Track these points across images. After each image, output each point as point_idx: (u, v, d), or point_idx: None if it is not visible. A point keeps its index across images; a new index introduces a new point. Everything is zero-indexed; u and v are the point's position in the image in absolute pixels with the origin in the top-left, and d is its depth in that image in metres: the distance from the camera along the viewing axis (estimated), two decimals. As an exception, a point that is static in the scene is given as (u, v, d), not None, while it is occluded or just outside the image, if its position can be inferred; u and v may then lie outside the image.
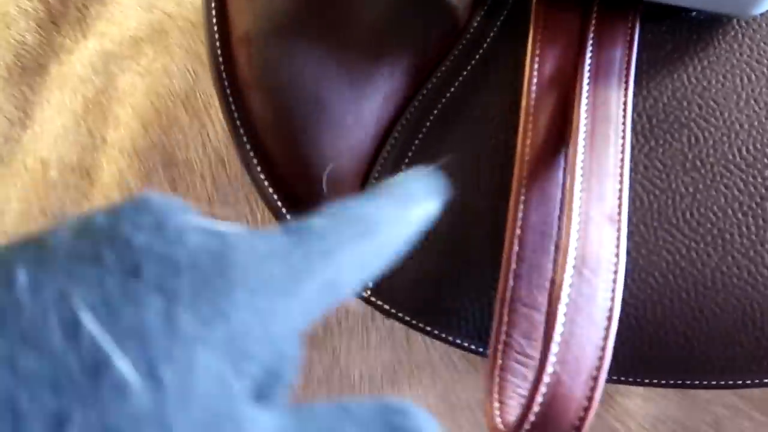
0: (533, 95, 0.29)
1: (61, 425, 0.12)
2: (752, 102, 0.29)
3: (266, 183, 0.30)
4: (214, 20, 0.30)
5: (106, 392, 0.12)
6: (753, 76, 0.30)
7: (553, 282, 0.27)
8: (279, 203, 0.30)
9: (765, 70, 0.30)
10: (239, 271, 0.14)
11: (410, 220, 0.19)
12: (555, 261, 0.28)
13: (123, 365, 0.12)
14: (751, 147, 0.29)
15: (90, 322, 0.13)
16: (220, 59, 0.30)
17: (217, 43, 0.30)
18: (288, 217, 0.30)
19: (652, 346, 0.28)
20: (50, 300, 0.13)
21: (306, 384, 0.37)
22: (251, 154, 0.29)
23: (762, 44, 0.30)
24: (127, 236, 0.14)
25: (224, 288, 0.14)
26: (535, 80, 0.29)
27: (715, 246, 0.28)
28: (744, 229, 0.29)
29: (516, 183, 0.28)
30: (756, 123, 0.29)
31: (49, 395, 0.12)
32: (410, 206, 0.20)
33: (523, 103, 0.29)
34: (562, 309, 0.24)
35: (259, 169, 0.30)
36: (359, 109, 0.30)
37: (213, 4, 0.30)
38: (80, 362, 0.12)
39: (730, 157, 0.29)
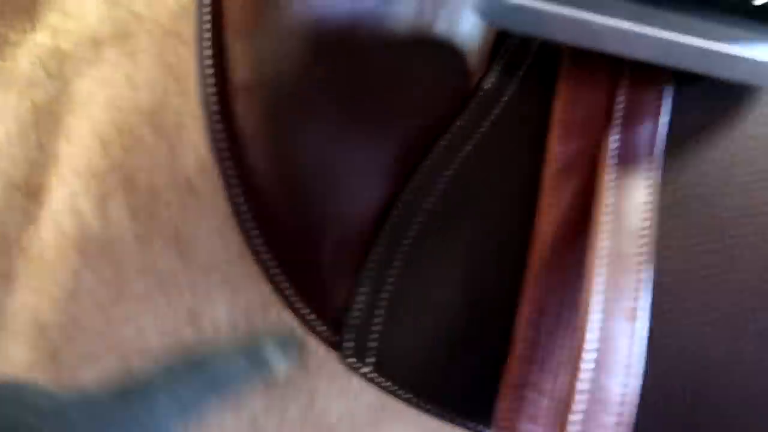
0: (558, 164, 0.26)
1: None
2: (779, 181, 0.27)
3: (262, 249, 0.26)
4: (209, 64, 0.26)
5: None
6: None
7: (568, 383, 0.24)
8: (275, 270, 0.27)
9: (793, 146, 0.28)
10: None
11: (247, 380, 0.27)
12: (569, 349, 0.26)
13: None
14: (774, 230, 0.27)
15: None
16: (216, 109, 0.26)
17: (213, 91, 0.26)
18: (280, 275, 0.27)
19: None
20: None
21: (280, 424, 0.35)
22: (247, 216, 0.26)
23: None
24: None
25: None
26: (558, 148, 0.26)
27: (733, 328, 0.27)
28: (757, 314, 0.27)
29: (533, 261, 0.26)
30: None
31: None
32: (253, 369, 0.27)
33: (546, 173, 0.26)
34: (572, 417, 0.23)
35: (255, 233, 0.26)
36: (368, 172, 0.27)
37: (208, 45, 0.26)
38: None
39: (752, 239, 0.27)
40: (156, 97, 0.34)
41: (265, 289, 0.31)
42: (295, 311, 0.28)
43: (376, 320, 0.27)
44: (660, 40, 0.24)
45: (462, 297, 0.27)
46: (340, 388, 0.34)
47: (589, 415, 0.23)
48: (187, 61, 0.33)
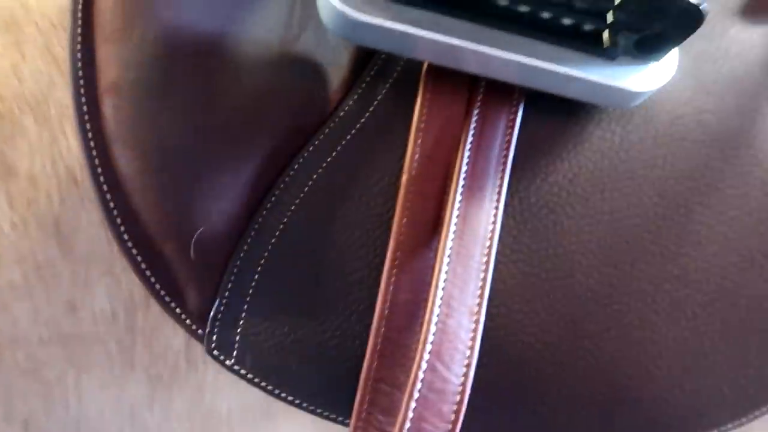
0: (414, 171, 0.28)
1: None
2: (615, 193, 0.30)
3: (129, 244, 0.27)
4: (80, 67, 0.27)
5: None
6: (620, 166, 0.31)
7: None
8: (142, 264, 0.28)
9: (631, 160, 0.31)
10: None
11: None
12: (417, 344, 0.28)
13: None
14: (608, 238, 0.30)
15: None
16: (85, 110, 0.27)
17: (82, 92, 0.27)
18: (151, 276, 0.28)
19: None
20: None
21: (165, 418, 0.36)
22: (115, 212, 0.27)
23: (631, 133, 0.31)
24: None
25: None
26: (417, 156, 0.28)
27: (567, 330, 0.30)
28: (594, 316, 0.30)
29: (388, 261, 0.28)
30: (616, 215, 0.30)
31: None
32: None
33: (403, 179, 0.28)
34: (411, 405, 0.25)
35: (122, 228, 0.27)
36: (234, 171, 0.28)
37: (79, 48, 0.27)
38: None
39: (591, 246, 0.30)
40: (40, 89, 0.34)
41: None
42: (163, 304, 0.29)
43: (238, 315, 0.28)
44: (498, 59, 0.26)
45: (321, 295, 0.28)
46: (230, 380, 0.35)
47: (426, 403, 0.26)
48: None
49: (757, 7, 0.34)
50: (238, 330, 0.29)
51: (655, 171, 0.31)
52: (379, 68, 0.30)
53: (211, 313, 0.29)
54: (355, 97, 0.30)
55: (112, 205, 0.28)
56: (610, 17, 0.26)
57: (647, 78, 0.28)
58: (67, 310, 0.34)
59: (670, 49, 0.28)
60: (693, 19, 0.26)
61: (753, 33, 0.33)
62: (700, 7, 0.25)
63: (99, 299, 0.34)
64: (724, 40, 0.33)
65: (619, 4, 0.26)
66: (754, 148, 0.31)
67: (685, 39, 0.27)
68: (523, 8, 0.26)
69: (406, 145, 0.29)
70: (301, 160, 0.29)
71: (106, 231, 0.34)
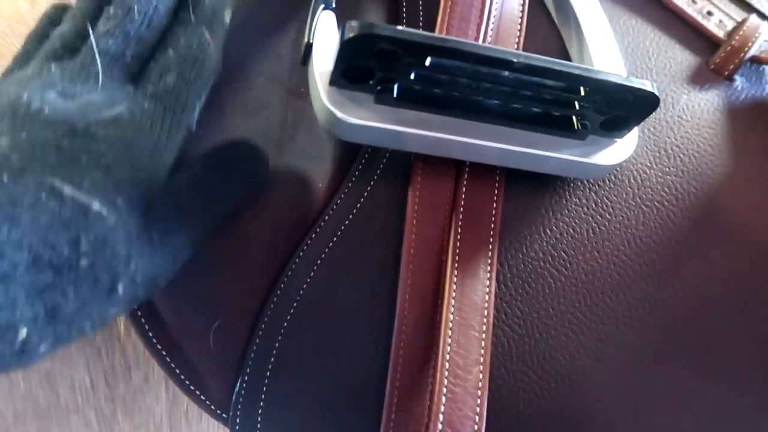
0: (412, 251, 0.31)
1: None
2: (596, 253, 0.33)
3: (155, 341, 0.30)
4: None
5: None
6: (597, 229, 0.34)
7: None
8: (167, 358, 0.30)
9: (606, 223, 0.34)
10: None
11: None
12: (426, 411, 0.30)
13: None
14: (594, 295, 0.33)
15: None
16: None
17: None
18: (175, 368, 0.30)
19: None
20: None
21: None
22: (139, 313, 0.29)
23: (605, 198, 0.34)
24: None
25: None
26: (413, 237, 0.31)
27: (563, 385, 0.32)
28: (585, 369, 0.33)
29: (395, 335, 0.30)
30: (598, 273, 0.33)
31: None
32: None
33: (403, 259, 0.31)
34: None
35: (146, 327, 0.30)
36: (243, 263, 0.30)
37: None
38: None
39: (577, 305, 0.33)
40: None
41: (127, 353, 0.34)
42: (188, 393, 0.31)
43: (258, 397, 0.30)
44: (480, 146, 0.30)
45: (334, 372, 0.31)
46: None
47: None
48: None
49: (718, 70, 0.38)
50: (260, 411, 0.30)
51: (629, 230, 0.34)
52: (368, 158, 0.33)
53: (233, 398, 0.30)
54: (349, 185, 0.32)
55: (138, 311, 0.30)
56: (577, 105, 0.30)
57: (615, 152, 0.32)
58: (43, 383, 0.35)
59: (633, 128, 0.31)
60: (649, 104, 0.29)
61: (700, 100, 0.37)
62: (655, 93, 0.29)
63: (78, 370, 0.35)
64: (677, 108, 0.36)
65: (584, 96, 0.29)
66: (713, 203, 0.35)
67: (644, 119, 0.30)
68: (495, 102, 0.29)
69: (400, 228, 0.32)
70: (304, 247, 0.31)
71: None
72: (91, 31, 0.26)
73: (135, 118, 0.25)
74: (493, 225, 0.32)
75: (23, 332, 0.21)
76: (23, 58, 0.28)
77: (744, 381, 0.33)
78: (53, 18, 0.29)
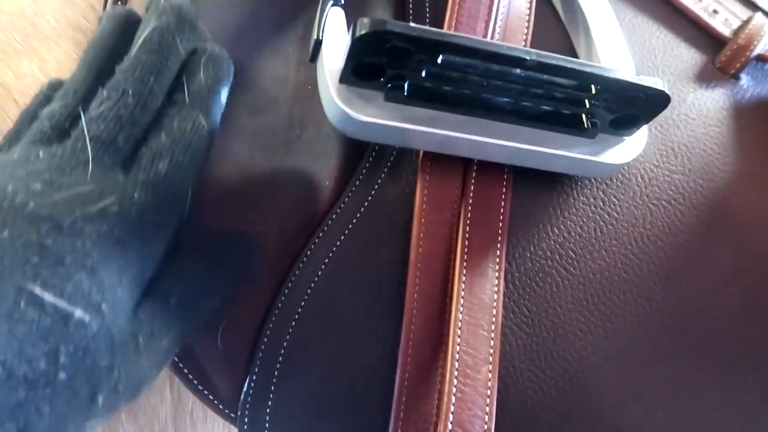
0: (420, 249, 0.31)
1: None
2: (603, 252, 0.33)
3: None
4: None
5: None
6: (605, 228, 0.34)
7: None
8: (175, 358, 0.30)
9: (613, 222, 0.34)
10: None
11: None
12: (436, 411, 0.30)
13: None
14: (601, 294, 0.33)
15: None
16: None
17: None
18: (184, 368, 0.30)
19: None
20: None
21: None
22: None
23: (612, 197, 0.34)
24: None
25: None
26: (422, 235, 0.31)
27: (570, 383, 0.32)
28: (592, 368, 0.33)
29: (404, 333, 0.30)
30: (606, 272, 0.33)
31: None
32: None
33: (411, 257, 0.31)
34: None
35: None
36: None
37: None
38: None
39: (584, 303, 0.33)
40: None
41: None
42: (197, 393, 0.30)
43: (266, 397, 0.30)
44: (489, 144, 0.29)
45: (341, 372, 0.31)
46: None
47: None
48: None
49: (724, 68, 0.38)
50: (268, 410, 0.30)
51: (637, 229, 0.34)
52: (375, 156, 0.33)
53: (242, 397, 0.30)
54: (356, 183, 0.32)
55: None
56: (587, 103, 0.30)
57: (623, 151, 0.32)
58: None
59: (642, 126, 0.31)
60: (660, 102, 0.29)
61: (707, 98, 0.37)
62: (666, 92, 0.28)
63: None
64: (684, 107, 0.36)
65: (595, 94, 0.29)
66: (719, 202, 0.35)
67: (654, 117, 0.30)
68: (505, 99, 0.29)
69: (407, 226, 0.31)
70: (312, 247, 0.31)
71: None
72: (82, 115, 0.25)
73: (124, 210, 0.24)
74: (501, 223, 0.32)
75: None
76: (14, 137, 0.27)
77: (749, 380, 0.33)
78: (48, 96, 0.28)
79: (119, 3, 0.34)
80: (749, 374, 0.34)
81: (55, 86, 0.28)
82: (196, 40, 0.29)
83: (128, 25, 0.28)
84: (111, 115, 0.25)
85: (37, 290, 0.21)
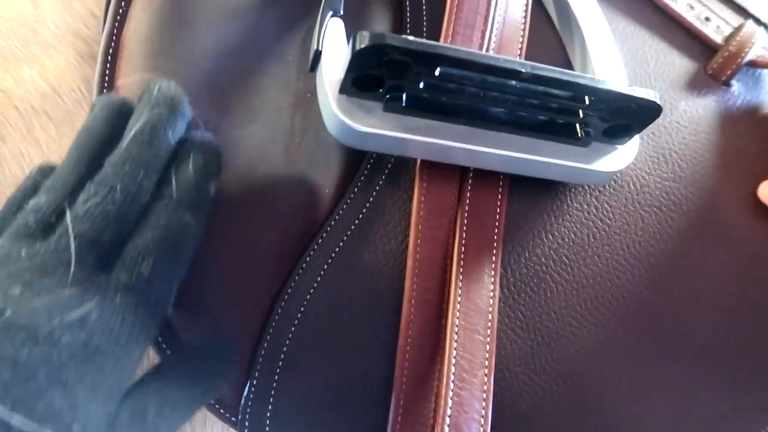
0: (418, 255, 0.31)
1: None
2: (596, 258, 0.34)
3: (164, 346, 0.30)
4: None
5: None
6: (597, 234, 0.34)
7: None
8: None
9: (606, 228, 0.34)
10: None
11: None
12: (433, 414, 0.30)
13: None
14: (594, 299, 0.34)
15: None
16: None
17: None
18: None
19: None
20: None
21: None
22: None
23: (605, 204, 0.35)
24: None
25: None
26: (419, 241, 0.32)
27: (564, 385, 0.33)
28: (586, 371, 0.33)
29: (402, 337, 0.31)
30: (599, 277, 0.34)
31: None
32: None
33: (409, 263, 0.31)
34: None
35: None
36: (251, 269, 0.31)
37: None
38: None
39: (578, 308, 0.33)
40: (23, 171, 0.34)
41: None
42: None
43: (266, 401, 0.31)
44: (485, 153, 0.30)
45: (341, 375, 0.31)
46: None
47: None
48: (55, 138, 0.35)
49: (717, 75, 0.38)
50: (268, 414, 0.31)
51: (629, 235, 0.34)
52: (373, 163, 0.33)
53: (242, 401, 0.31)
54: (355, 190, 0.33)
55: None
56: (581, 113, 0.30)
57: (616, 158, 0.32)
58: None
59: (634, 135, 0.32)
60: (652, 112, 0.30)
61: (698, 105, 0.38)
62: (658, 103, 0.29)
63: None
64: (676, 114, 0.37)
65: (588, 105, 0.29)
66: (710, 208, 0.35)
67: (646, 127, 0.31)
68: (501, 110, 0.30)
69: (405, 232, 0.32)
70: (311, 253, 0.32)
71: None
72: (68, 212, 0.24)
73: (104, 316, 0.23)
74: (496, 230, 0.33)
75: None
76: None
77: (743, 381, 0.34)
78: (37, 181, 0.27)
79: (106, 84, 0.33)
80: (743, 375, 0.34)
81: (44, 171, 0.28)
82: (187, 130, 0.28)
83: (121, 114, 0.28)
84: (98, 211, 0.24)
85: (5, 413, 0.20)
